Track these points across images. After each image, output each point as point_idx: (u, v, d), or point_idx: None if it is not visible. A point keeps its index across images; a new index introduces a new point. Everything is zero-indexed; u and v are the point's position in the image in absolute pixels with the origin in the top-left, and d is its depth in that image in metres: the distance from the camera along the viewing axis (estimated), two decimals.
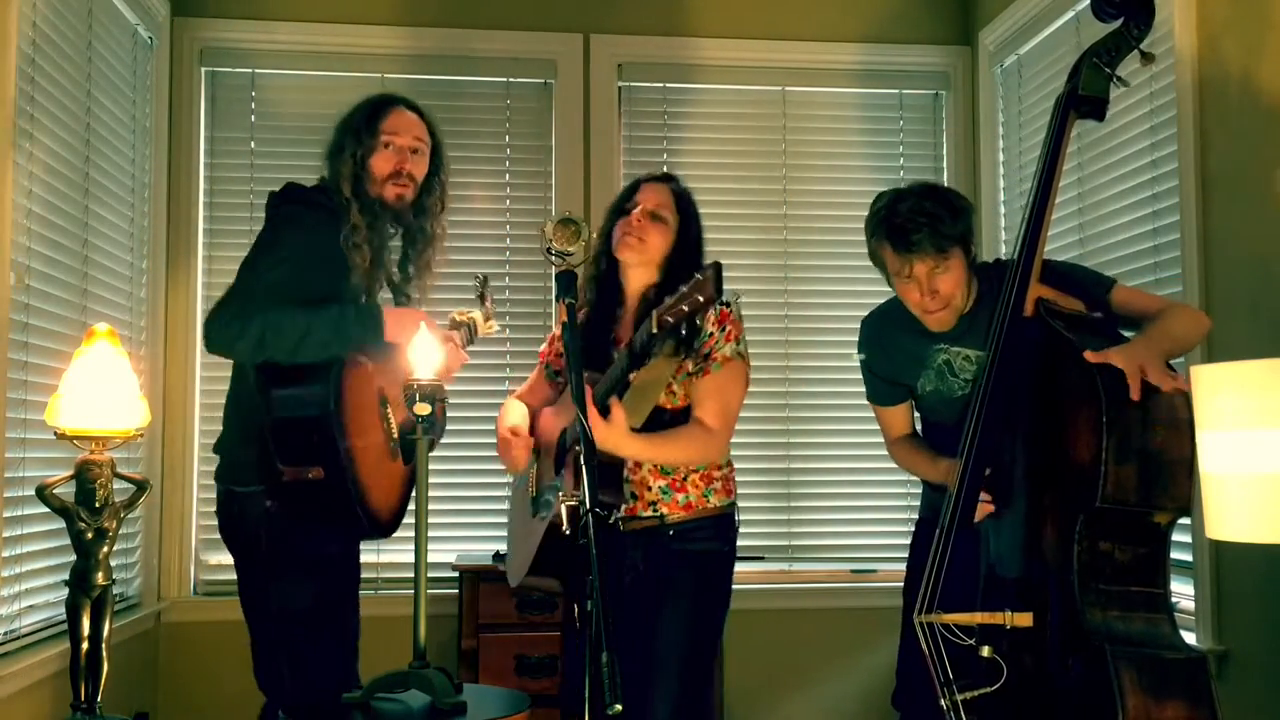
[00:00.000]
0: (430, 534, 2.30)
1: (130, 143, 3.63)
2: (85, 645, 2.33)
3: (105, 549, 2.35)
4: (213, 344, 2.45)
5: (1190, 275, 2.94)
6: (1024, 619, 2.19)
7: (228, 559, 2.62)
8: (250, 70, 4.02)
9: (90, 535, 2.34)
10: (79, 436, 2.33)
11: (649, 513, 2.66)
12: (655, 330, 2.24)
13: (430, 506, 2.29)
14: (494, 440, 4.10)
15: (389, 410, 2.58)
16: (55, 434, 2.35)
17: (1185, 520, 2.88)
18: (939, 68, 4.28)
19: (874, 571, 4.10)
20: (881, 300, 2.85)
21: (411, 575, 3.14)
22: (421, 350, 2.25)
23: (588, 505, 1.98)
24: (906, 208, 2.49)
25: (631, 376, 2.46)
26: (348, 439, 2.40)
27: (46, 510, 2.37)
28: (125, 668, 3.45)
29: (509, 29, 4.11)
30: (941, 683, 2.27)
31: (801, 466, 4.12)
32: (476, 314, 2.99)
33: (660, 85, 4.21)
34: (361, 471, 2.42)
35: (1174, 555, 3.01)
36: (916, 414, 2.82)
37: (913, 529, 2.83)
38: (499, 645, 3.59)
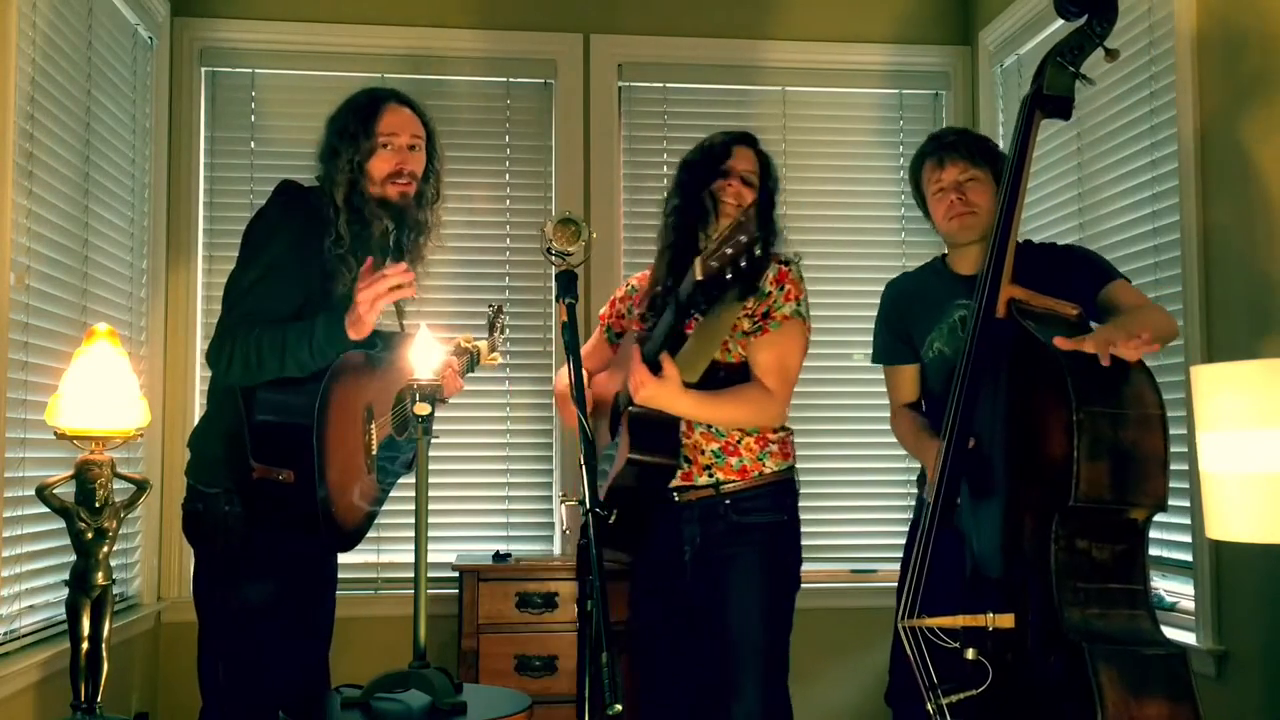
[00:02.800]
0: (430, 534, 2.30)
1: (130, 143, 3.63)
2: (85, 645, 2.32)
3: (105, 549, 2.35)
4: (214, 374, 2.52)
5: (1190, 274, 2.94)
6: (1006, 620, 2.19)
7: None
8: (250, 70, 4.02)
9: (90, 535, 2.33)
10: (79, 436, 2.33)
11: (704, 479, 2.64)
12: (700, 278, 2.25)
13: (430, 506, 2.29)
14: (492, 440, 4.12)
15: (373, 425, 2.56)
16: (55, 434, 2.35)
17: (1185, 520, 2.90)
18: (939, 68, 4.28)
19: (874, 571, 4.10)
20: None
21: (411, 575, 3.15)
22: (421, 350, 2.25)
23: (588, 505, 1.97)
24: (949, 130, 2.90)
25: (688, 328, 2.45)
26: (326, 448, 2.39)
27: (46, 510, 2.36)
28: (125, 668, 3.46)
29: (509, 29, 4.11)
30: (927, 687, 2.26)
31: (801, 466, 4.07)
32: (482, 344, 2.99)
33: (660, 85, 4.21)
34: (332, 482, 2.41)
35: (1174, 555, 3.03)
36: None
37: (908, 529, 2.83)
38: (499, 645, 3.59)
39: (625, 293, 2.94)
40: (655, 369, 2.45)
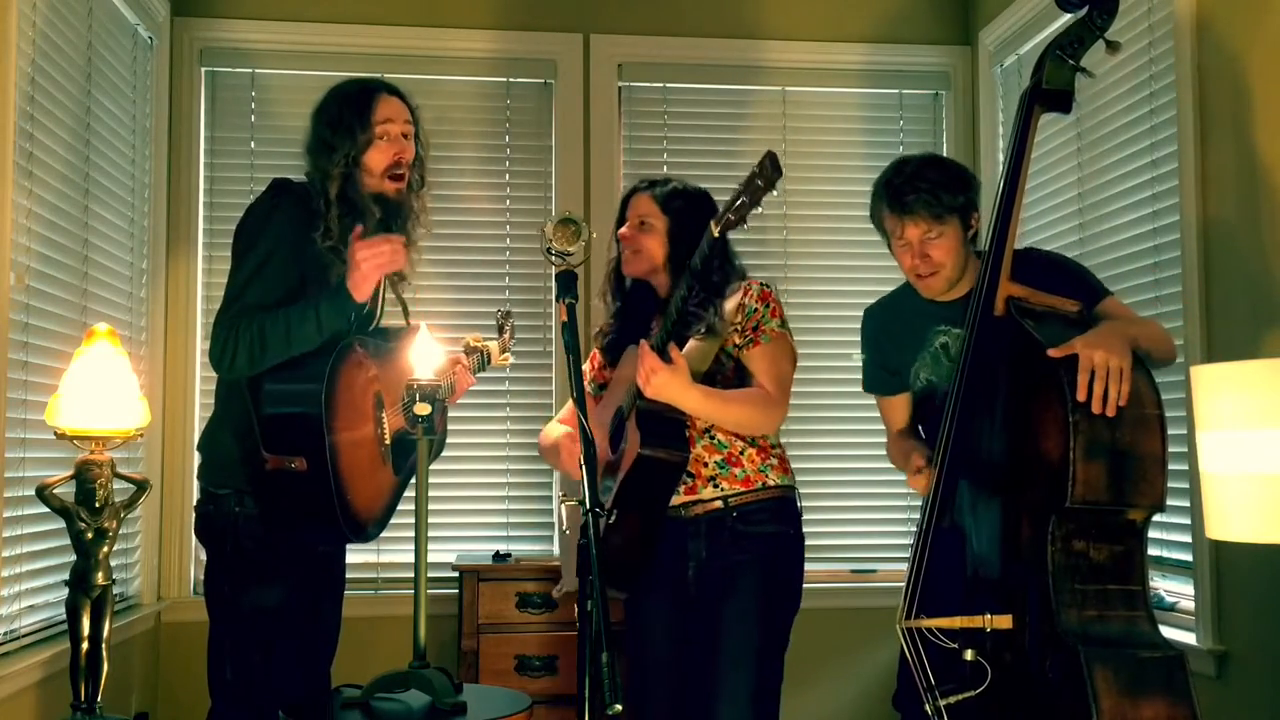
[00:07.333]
0: (430, 534, 2.30)
1: (130, 143, 3.63)
2: (85, 645, 2.32)
3: (105, 549, 2.35)
4: (218, 371, 2.50)
5: (1190, 273, 2.94)
6: (1003, 621, 2.18)
7: None
8: (250, 70, 4.02)
9: (90, 535, 2.33)
10: (79, 436, 2.33)
11: (710, 491, 2.67)
12: (717, 236, 2.39)
13: (430, 506, 2.29)
14: (492, 440, 4.11)
15: (384, 414, 2.56)
16: (55, 434, 2.35)
17: (1185, 520, 2.90)
18: (939, 68, 4.28)
19: (874, 571, 4.10)
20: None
21: (411, 575, 3.14)
22: (421, 350, 2.25)
23: (588, 505, 1.98)
24: (909, 170, 2.55)
25: (693, 340, 2.56)
26: (335, 433, 2.39)
27: (46, 510, 2.37)
28: (125, 668, 3.46)
29: (509, 29, 4.11)
30: (925, 688, 2.25)
31: (801, 467, 4.05)
32: (493, 345, 2.99)
33: (660, 85, 4.21)
34: (345, 467, 2.41)
35: (1174, 555, 3.03)
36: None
37: (914, 529, 2.83)
38: (499, 645, 3.59)
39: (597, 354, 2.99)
40: (665, 358, 2.49)
